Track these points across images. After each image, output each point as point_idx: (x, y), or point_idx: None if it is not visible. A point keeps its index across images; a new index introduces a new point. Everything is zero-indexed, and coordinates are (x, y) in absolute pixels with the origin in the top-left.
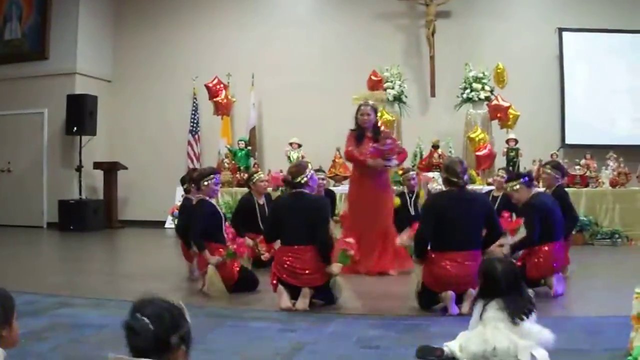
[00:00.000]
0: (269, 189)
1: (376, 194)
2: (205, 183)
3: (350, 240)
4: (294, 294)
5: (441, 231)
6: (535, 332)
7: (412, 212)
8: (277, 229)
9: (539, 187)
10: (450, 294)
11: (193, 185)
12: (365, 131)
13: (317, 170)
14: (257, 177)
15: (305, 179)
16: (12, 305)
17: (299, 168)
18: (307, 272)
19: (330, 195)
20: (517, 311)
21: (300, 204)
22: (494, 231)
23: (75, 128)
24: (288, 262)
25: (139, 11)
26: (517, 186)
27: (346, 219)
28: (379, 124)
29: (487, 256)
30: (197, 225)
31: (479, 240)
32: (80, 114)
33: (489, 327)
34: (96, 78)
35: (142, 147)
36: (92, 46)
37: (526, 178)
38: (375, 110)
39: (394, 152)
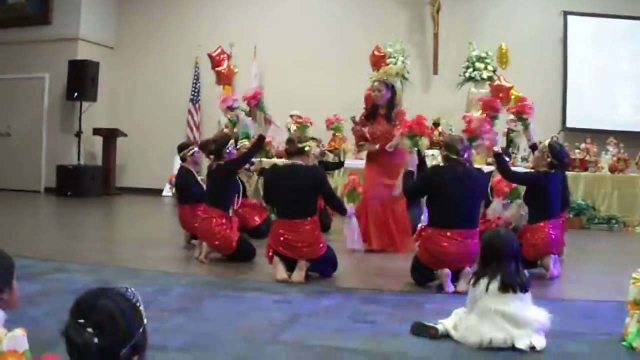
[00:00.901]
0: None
1: (387, 170)
2: (227, 150)
3: (354, 177)
4: (290, 266)
5: (439, 207)
6: (531, 319)
7: None
8: (270, 197)
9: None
10: (447, 271)
11: (212, 155)
12: (378, 109)
13: (313, 139)
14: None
15: (307, 147)
16: (11, 266)
17: (300, 135)
18: (304, 244)
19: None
20: (512, 282)
21: (296, 176)
22: None
23: (76, 94)
24: (285, 236)
25: None
26: (544, 155)
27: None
28: (396, 102)
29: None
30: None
31: (477, 218)
32: (82, 80)
33: (486, 320)
34: (99, 44)
35: (142, 115)
36: (95, 12)
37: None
38: (388, 86)
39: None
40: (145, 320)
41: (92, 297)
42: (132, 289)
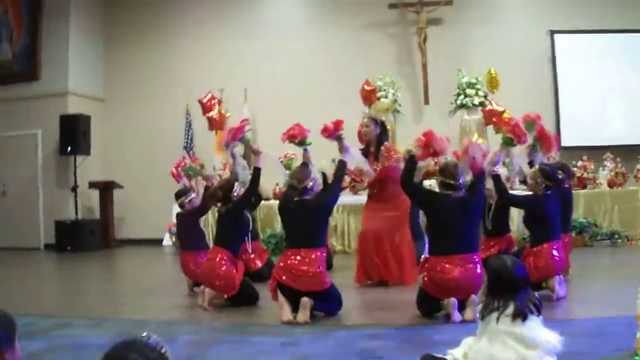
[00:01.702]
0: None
1: (387, 203)
2: (235, 194)
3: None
4: (295, 306)
5: (438, 235)
6: (542, 340)
7: None
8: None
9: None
10: (453, 300)
11: (220, 203)
12: (369, 146)
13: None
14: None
15: (310, 184)
16: (14, 326)
17: (303, 173)
18: (308, 273)
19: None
20: (524, 312)
21: (305, 210)
22: None
23: (69, 148)
24: (292, 263)
25: (130, 29)
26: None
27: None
28: (385, 139)
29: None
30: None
31: (476, 242)
32: (74, 134)
33: (497, 342)
34: (89, 97)
35: (137, 166)
36: (83, 65)
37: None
38: (377, 122)
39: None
40: None
41: (120, 352)
42: (155, 337)
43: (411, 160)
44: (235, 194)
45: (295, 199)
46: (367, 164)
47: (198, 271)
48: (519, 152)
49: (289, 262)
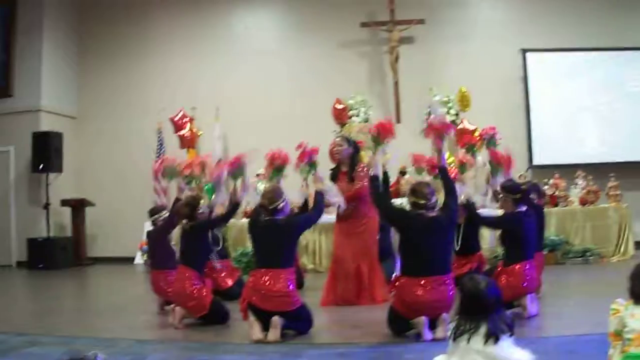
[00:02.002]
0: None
1: (355, 224)
2: (200, 211)
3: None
4: (266, 325)
5: (410, 256)
6: (514, 359)
7: None
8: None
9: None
10: (423, 319)
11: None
12: (340, 167)
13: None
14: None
15: (281, 204)
16: None
17: (275, 193)
18: (278, 294)
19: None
20: (496, 333)
21: (274, 229)
22: None
23: (41, 165)
24: (262, 284)
25: (103, 47)
26: (505, 198)
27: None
28: (358, 160)
29: None
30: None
31: (449, 263)
32: (46, 152)
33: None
34: (61, 115)
35: (109, 183)
36: (56, 83)
37: (519, 198)
38: (350, 142)
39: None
40: None
41: None
42: (101, 355)
43: (375, 179)
44: (200, 211)
45: (265, 218)
46: (338, 195)
47: (169, 290)
48: (468, 179)
49: (259, 282)
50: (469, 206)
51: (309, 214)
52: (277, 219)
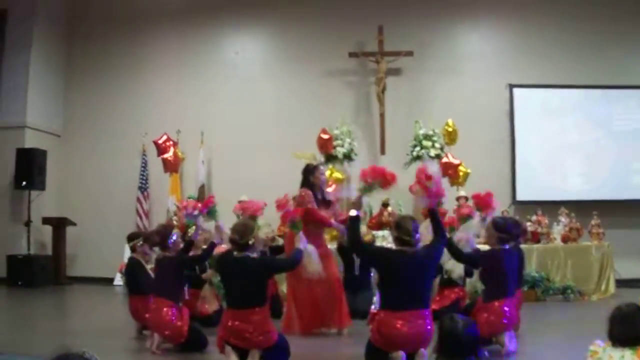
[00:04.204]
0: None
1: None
2: (171, 240)
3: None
4: (242, 356)
5: (391, 291)
6: None
7: None
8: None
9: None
10: (401, 354)
11: (156, 247)
12: (316, 193)
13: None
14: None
15: (252, 240)
16: None
17: (245, 227)
18: (254, 334)
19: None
20: None
21: (245, 268)
22: None
23: (24, 182)
24: (235, 326)
25: (90, 66)
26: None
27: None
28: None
29: None
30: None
31: (429, 298)
32: (29, 169)
33: None
34: (46, 132)
35: (91, 204)
36: (42, 100)
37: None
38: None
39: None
40: None
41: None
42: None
43: (356, 219)
44: (171, 240)
45: (235, 254)
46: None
47: (147, 316)
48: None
49: (234, 324)
50: (451, 245)
51: (285, 261)
52: (249, 258)
